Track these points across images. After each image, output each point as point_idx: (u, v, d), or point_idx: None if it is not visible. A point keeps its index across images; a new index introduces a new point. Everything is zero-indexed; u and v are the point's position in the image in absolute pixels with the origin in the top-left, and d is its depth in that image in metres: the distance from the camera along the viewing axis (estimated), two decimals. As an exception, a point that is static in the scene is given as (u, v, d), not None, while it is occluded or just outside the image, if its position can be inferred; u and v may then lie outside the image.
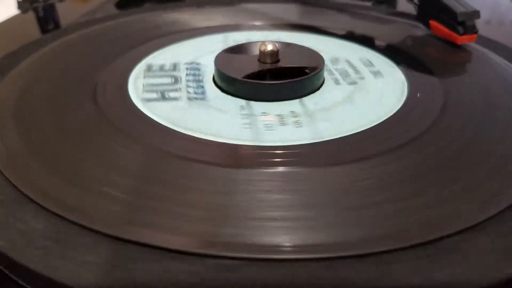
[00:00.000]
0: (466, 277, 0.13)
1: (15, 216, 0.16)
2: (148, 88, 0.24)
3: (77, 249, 0.14)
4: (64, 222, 0.15)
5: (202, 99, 0.23)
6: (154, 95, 0.23)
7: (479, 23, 0.28)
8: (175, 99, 0.23)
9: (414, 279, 0.13)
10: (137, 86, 0.24)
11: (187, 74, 0.26)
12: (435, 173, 0.18)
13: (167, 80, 0.25)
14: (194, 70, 0.26)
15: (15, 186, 0.17)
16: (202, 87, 0.24)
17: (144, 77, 0.25)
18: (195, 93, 0.24)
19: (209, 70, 0.26)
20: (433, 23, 0.29)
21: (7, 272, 0.14)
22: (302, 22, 0.33)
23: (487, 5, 0.42)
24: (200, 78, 0.25)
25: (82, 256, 0.14)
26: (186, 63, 0.27)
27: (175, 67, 0.26)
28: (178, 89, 0.24)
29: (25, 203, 0.16)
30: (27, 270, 0.14)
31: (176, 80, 0.25)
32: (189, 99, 0.23)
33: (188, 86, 0.24)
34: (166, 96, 0.23)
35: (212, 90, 0.24)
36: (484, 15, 0.39)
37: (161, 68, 0.26)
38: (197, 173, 0.18)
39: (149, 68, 0.26)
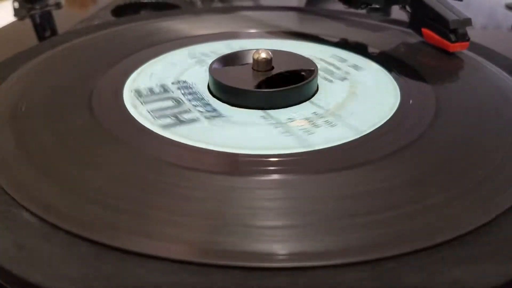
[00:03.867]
0: (465, 282, 0.14)
1: (9, 223, 0.16)
2: (158, 114, 0.22)
3: (71, 258, 0.14)
4: (58, 231, 0.15)
5: (219, 116, 0.22)
6: (169, 120, 0.22)
7: (476, 30, 0.28)
8: (194, 120, 0.22)
9: (413, 284, 0.13)
10: (135, 102, 0.23)
11: (183, 94, 0.24)
12: (429, 179, 0.18)
13: (169, 103, 0.23)
14: (186, 88, 0.25)
15: (8, 194, 0.17)
16: (209, 104, 0.23)
17: (143, 103, 0.23)
18: (207, 111, 0.23)
19: (200, 87, 0.25)
20: (425, 30, 0.30)
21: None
22: (298, 30, 0.33)
23: (484, 11, 0.43)
24: (199, 96, 0.24)
25: (77, 265, 0.14)
26: (174, 83, 0.26)
27: (164, 88, 0.25)
28: (188, 110, 0.23)
29: (19, 211, 0.16)
30: (17, 279, 0.14)
31: (178, 101, 0.24)
32: (207, 118, 0.22)
33: (194, 106, 0.23)
34: (181, 118, 0.22)
35: (221, 106, 0.23)
36: (480, 21, 0.39)
37: (152, 91, 0.25)
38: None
39: (139, 93, 0.24)
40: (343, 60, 0.28)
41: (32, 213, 0.16)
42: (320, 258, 0.14)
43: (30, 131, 0.21)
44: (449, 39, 0.28)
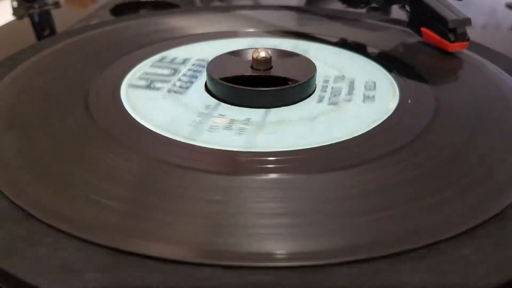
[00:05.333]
0: (461, 283, 0.14)
1: (6, 227, 0.16)
2: (143, 76, 0.26)
3: (70, 260, 0.14)
4: (55, 232, 0.15)
5: (180, 93, 0.24)
6: (142, 83, 0.25)
7: (475, 29, 0.28)
8: (158, 89, 0.24)
9: (410, 284, 0.13)
10: (132, 84, 0.25)
11: (189, 69, 0.27)
12: (425, 179, 0.18)
13: (166, 71, 0.26)
14: (199, 66, 0.27)
15: (6, 197, 0.17)
16: (192, 82, 0.25)
17: (151, 66, 0.27)
18: (180, 87, 0.25)
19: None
20: (425, 30, 0.29)
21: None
22: (298, 29, 0.33)
23: (484, 11, 0.43)
24: (198, 74, 0.26)
25: (76, 267, 0.14)
26: (198, 59, 0.28)
27: (185, 61, 0.28)
28: (167, 81, 0.25)
29: (16, 214, 0.16)
30: (20, 282, 0.14)
31: (175, 72, 0.26)
32: (169, 91, 0.24)
33: (179, 80, 0.25)
34: (152, 86, 0.25)
35: (198, 87, 0.25)
36: (480, 20, 0.39)
37: (172, 60, 0.28)
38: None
39: (161, 59, 0.28)
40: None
41: (29, 215, 0.16)
42: (319, 257, 0.14)
43: (28, 131, 0.21)
44: (448, 39, 0.28)
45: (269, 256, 0.14)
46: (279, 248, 0.15)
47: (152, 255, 0.14)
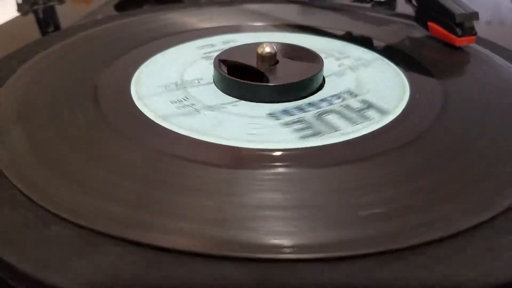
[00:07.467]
0: (464, 279, 0.14)
1: (18, 219, 0.16)
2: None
3: (80, 251, 0.14)
4: (66, 224, 0.15)
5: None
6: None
7: (480, 24, 0.28)
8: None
9: (412, 280, 0.13)
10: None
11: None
12: (433, 174, 0.18)
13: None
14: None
15: (19, 190, 0.17)
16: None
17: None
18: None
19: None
20: (431, 24, 0.29)
21: (7, 278, 0.14)
22: (303, 23, 0.33)
23: (488, 6, 0.42)
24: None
25: (85, 258, 0.14)
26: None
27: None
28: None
29: (28, 206, 0.16)
30: (28, 276, 0.14)
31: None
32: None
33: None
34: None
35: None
36: (485, 16, 0.39)
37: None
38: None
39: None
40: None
41: (37, 206, 0.16)
42: (321, 250, 0.14)
43: (37, 126, 0.21)
44: (455, 33, 0.28)
45: (277, 249, 0.14)
46: (286, 240, 0.15)
47: (158, 245, 0.14)
